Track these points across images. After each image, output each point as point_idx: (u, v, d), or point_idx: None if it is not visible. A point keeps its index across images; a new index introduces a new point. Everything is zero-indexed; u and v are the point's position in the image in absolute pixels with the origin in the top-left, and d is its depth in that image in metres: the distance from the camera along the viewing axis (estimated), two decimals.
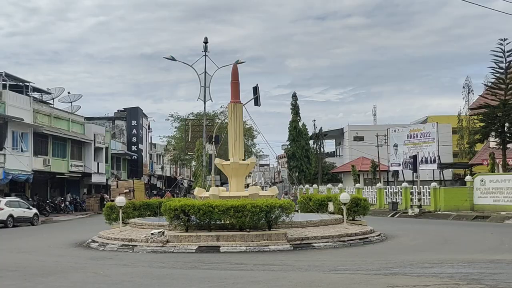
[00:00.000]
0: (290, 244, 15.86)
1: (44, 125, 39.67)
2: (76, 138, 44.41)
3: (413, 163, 36.25)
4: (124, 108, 63.23)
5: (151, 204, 21.66)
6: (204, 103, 36.57)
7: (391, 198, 36.92)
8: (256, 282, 10.19)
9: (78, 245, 18.31)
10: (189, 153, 56.01)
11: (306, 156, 60.63)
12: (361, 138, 65.33)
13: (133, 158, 59.96)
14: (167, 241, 16.13)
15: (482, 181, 32.22)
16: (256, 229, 16.41)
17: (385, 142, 47.76)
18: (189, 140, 51.59)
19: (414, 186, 35.64)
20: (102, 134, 49.39)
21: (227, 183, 23.34)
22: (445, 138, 50.54)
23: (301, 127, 61.41)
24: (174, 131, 66.31)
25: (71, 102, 51.49)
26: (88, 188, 49.61)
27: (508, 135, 35.28)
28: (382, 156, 50.39)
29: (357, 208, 20.54)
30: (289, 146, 62.22)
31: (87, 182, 48.08)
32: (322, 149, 64.68)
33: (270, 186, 53.19)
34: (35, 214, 30.82)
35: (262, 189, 31.03)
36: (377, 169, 50.59)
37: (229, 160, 21.28)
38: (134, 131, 60.80)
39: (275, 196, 20.12)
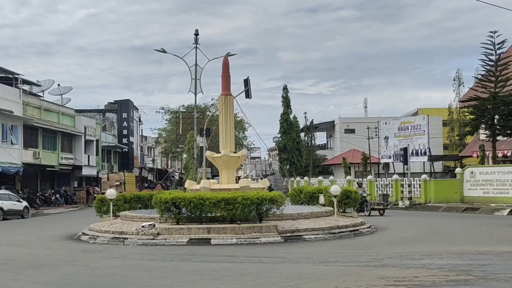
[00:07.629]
0: (281, 236, 15.88)
1: (34, 118, 39.42)
2: (67, 130, 44.19)
3: (404, 156, 36.40)
4: (114, 101, 63.01)
5: (142, 197, 21.63)
6: (195, 95, 36.50)
7: (382, 190, 37.04)
8: (246, 274, 10.21)
9: (68, 238, 18.26)
10: (180, 145, 55.90)
11: (297, 149, 60.76)
12: (352, 131, 65.42)
13: (124, 150, 59.78)
14: (158, 234, 16.11)
15: (472, 173, 32.38)
16: (247, 222, 16.42)
17: (376, 135, 47.91)
18: (180, 132, 51.47)
19: (404, 178, 35.79)
20: (93, 126, 49.18)
21: (218, 176, 23.32)
22: (435, 131, 50.69)
23: (292, 119, 61.48)
24: (165, 124, 66.19)
25: (61, 95, 51.18)
26: (79, 180, 49.41)
27: (498, 127, 35.45)
28: (373, 148, 50.56)
29: (348, 200, 20.59)
30: (280, 139, 62.32)
31: (77, 174, 47.92)
32: (313, 141, 64.82)
33: (261, 178, 53.28)
34: (25, 207, 30.70)
35: (254, 181, 30.99)
36: (368, 161, 50.71)
37: (220, 152, 21.25)
38: (125, 123, 60.61)
39: (266, 189, 20.14)
